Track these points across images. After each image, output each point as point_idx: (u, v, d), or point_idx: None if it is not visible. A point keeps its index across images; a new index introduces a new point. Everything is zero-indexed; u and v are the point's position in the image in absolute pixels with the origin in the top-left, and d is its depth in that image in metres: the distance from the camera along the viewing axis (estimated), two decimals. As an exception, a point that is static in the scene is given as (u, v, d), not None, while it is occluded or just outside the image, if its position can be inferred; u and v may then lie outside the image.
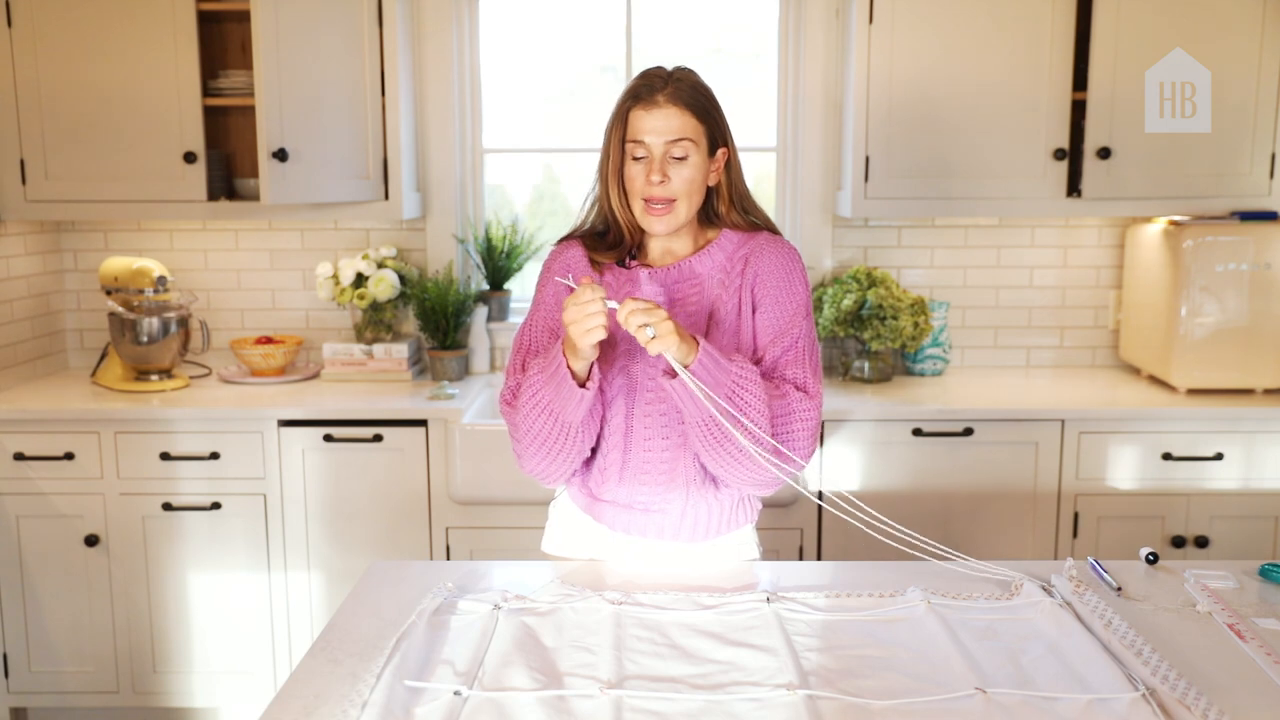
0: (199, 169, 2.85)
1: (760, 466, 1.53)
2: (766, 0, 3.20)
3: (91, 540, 2.73)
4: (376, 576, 1.61)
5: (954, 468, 2.70)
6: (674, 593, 1.52)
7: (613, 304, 1.47)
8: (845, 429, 2.70)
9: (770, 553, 2.65)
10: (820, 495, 2.66)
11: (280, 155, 2.68)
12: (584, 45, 3.31)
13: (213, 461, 2.71)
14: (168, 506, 2.72)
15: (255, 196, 2.95)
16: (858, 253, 3.21)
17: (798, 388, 1.61)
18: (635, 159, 1.63)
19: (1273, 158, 2.82)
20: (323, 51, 2.79)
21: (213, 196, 2.90)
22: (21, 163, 2.85)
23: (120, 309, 2.93)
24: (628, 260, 1.72)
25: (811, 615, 1.45)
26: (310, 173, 2.78)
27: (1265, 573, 1.58)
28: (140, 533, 2.73)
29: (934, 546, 1.59)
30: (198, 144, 2.84)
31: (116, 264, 2.98)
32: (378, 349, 3.04)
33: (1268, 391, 2.81)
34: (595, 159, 1.71)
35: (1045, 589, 1.51)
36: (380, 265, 3.08)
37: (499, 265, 3.19)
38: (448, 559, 2.74)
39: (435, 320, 3.06)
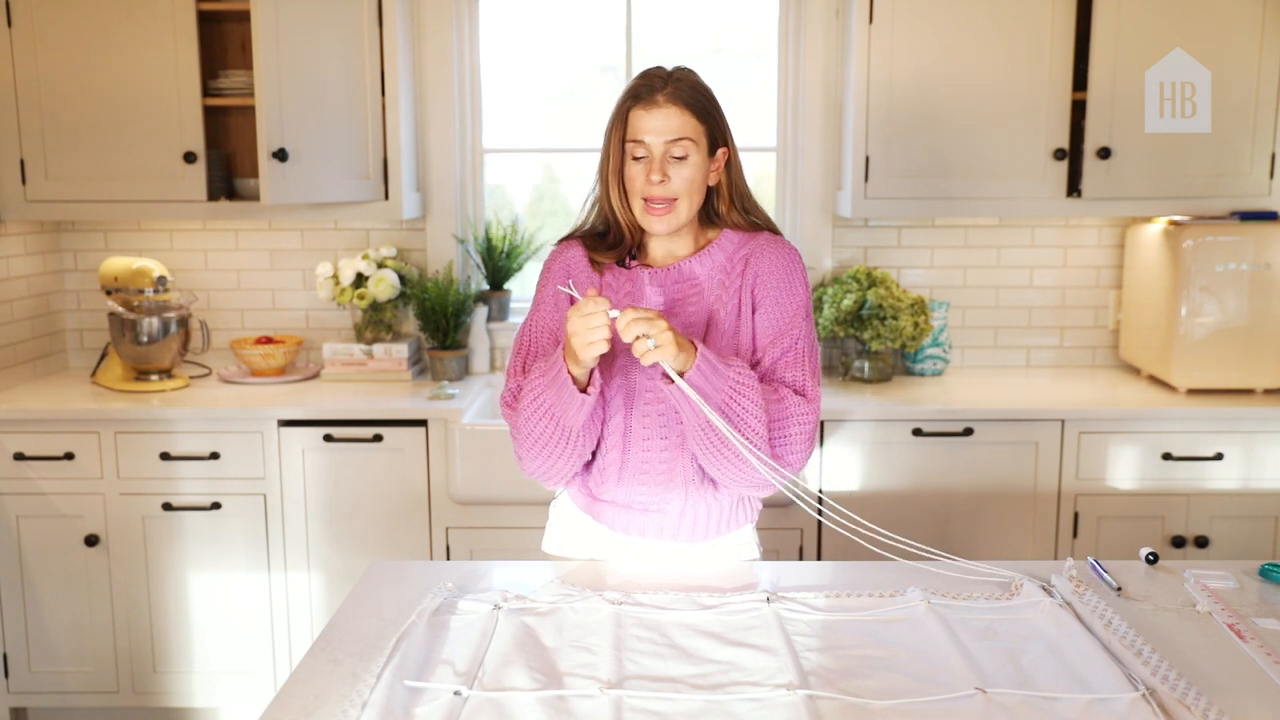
0: (199, 169, 2.85)
1: (755, 471, 1.53)
2: (766, 0, 3.20)
3: (91, 540, 2.73)
4: (376, 576, 1.61)
5: (954, 468, 2.70)
6: (674, 593, 1.52)
7: (614, 312, 1.47)
8: (845, 429, 2.70)
9: (770, 553, 2.65)
10: (820, 497, 2.66)
11: (280, 155, 2.68)
12: (584, 45, 3.31)
13: (213, 461, 2.71)
14: (168, 506, 2.72)
15: (255, 196, 2.95)
16: (858, 253, 3.21)
17: (796, 391, 1.61)
18: (635, 159, 1.63)
19: (1273, 158, 2.82)
20: (323, 51, 2.79)
21: (213, 196, 2.90)
22: (21, 163, 2.86)
23: (120, 309, 2.93)
24: (628, 260, 1.72)
25: (811, 615, 1.45)
26: (310, 173, 2.78)
27: (1265, 573, 1.58)
28: (140, 533, 2.73)
29: (929, 554, 1.58)
30: (198, 144, 2.84)
31: (116, 264, 2.98)
32: (378, 349, 3.04)
33: (1268, 391, 2.81)
34: (595, 159, 1.71)
35: (1045, 589, 1.51)
36: (380, 265, 3.08)
37: (499, 265, 3.19)
38: (448, 559, 2.74)
39: (435, 320, 3.06)
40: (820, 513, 2.52)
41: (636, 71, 1.71)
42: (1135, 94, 2.78)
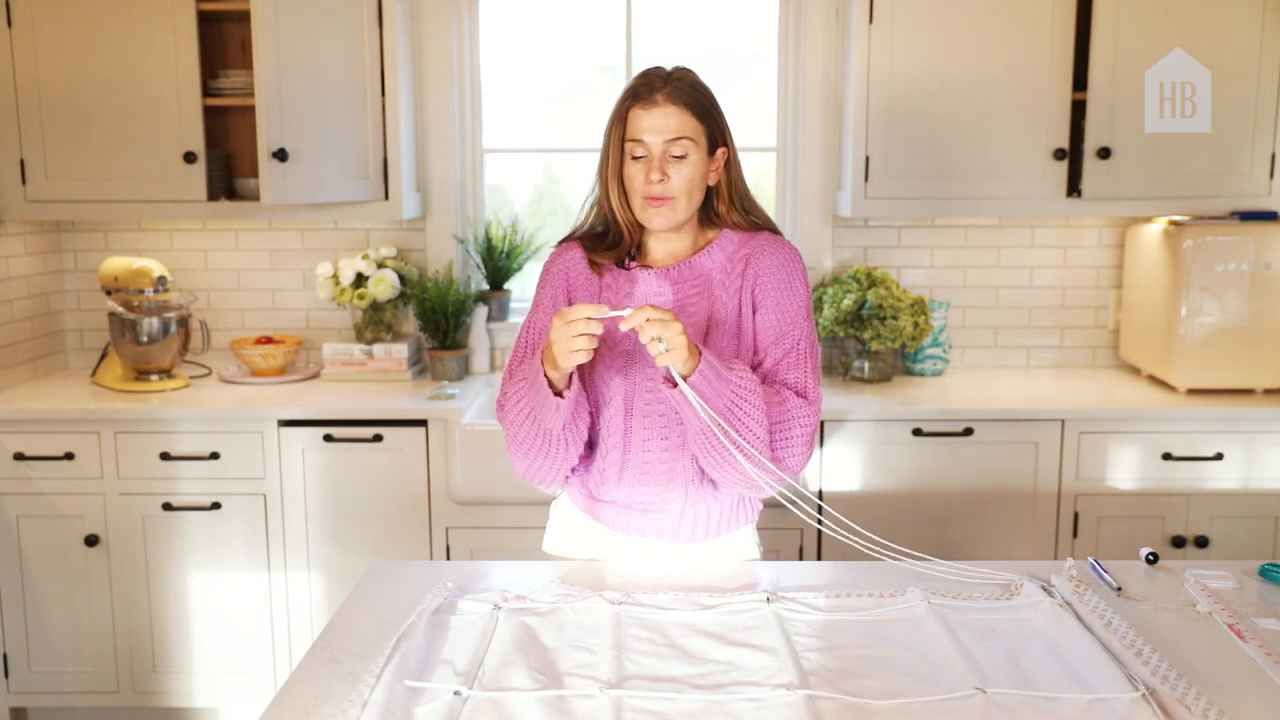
0: (199, 169, 2.85)
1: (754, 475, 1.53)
2: (766, 0, 3.20)
3: (91, 540, 2.73)
4: (376, 576, 1.61)
5: (954, 468, 2.70)
6: (674, 593, 1.52)
7: (623, 311, 1.46)
8: (845, 429, 2.70)
9: (770, 553, 2.65)
10: (820, 505, 2.66)
11: (280, 155, 2.68)
12: (584, 45, 3.31)
13: (213, 461, 2.71)
14: (168, 506, 2.72)
15: (255, 196, 2.95)
16: (858, 253, 3.21)
17: (797, 393, 1.62)
18: (635, 158, 1.63)
19: (1273, 158, 2.82)
20: (323, 51, 2.79)
21: (213, 196, 2.90)
22: (21, 163, 2.86)
23: (120, 309, 2.93)
24: (627, 261, 1.72)
25: (811, 615, 1.45)
26: (310, 173, 2.78)
27: (1265, 573, 1.58)
28: (140, 533, 2.73)
29: (928, 563, 1.58)
30: (198, 144, 2.84)
31: (116, 264, 2.98)
32: (378, 349, 3.04)
33: (1268, 391, 2.81)
34: (595, 159, 1.71)
35: (1045, 589, 1.51)
36: (380, 265, 3.08)
37: (499, 265, 3.19)
38: (448, 559, 2.74)
39: (435, 320, 3.06)
40: (820, 521, 2.52)
41: (636, 71, 1.71)
42: (1135, 94, 2.78)
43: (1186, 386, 2.81)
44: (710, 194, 1.71)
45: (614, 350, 1.65)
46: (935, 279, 3.22)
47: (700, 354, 1.48)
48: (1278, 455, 2.68)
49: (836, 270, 3.21)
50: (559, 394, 1.54)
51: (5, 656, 2.79)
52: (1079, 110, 2.84)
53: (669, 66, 1.67)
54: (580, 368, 1.61)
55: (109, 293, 2.98)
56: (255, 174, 3.03)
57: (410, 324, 3.23)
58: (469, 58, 3.21)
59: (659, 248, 1.71)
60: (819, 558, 2.72)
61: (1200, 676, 1.27)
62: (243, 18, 2.95)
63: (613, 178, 1.66)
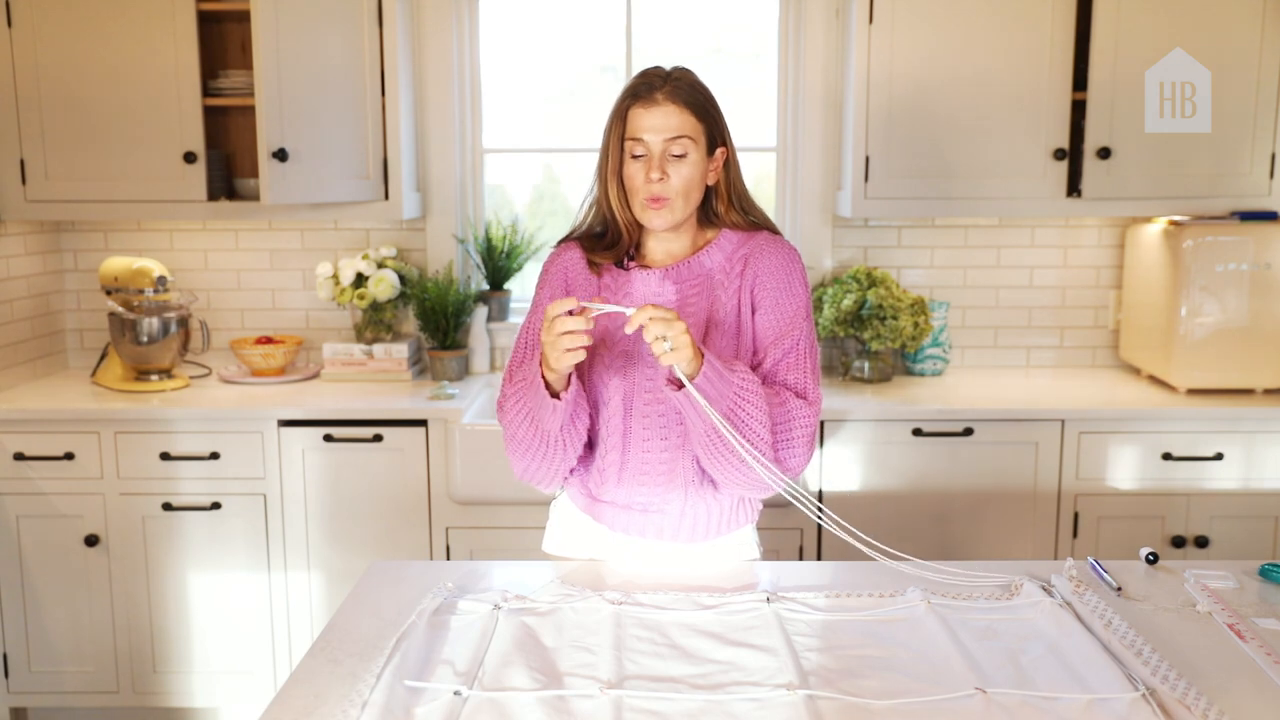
0: (199, 169, 2.85)
1: (756, 475, 1.53)
2: (766, 0, 3.20)
3: (91, 540, 2.73)
4: (376, 576, 1.61)
5: (954, 468, 2.70)
6: (674, 593, 1.52)
7: (617, 307, 1.46)
8: (845, 429, 2.70)
9: (770, 553, 2.65)
10: (820, 506, 2.66)
11: (280, 155, 2.68)
12: (584, 45, 3.31)
13: (213, 461, 2.71)
14: (168, 506, 2.72)
15: (255, 196, 2.95)
16: (858, 253, 3.21)
17: (797, 394, 1.61)
18: (634, 157, 1.63)
19: (1273, 158, 2.82)
20: (323, 51, 2.79)
21: (213, 196, 2.90)
22: (21, 163, 2.86)
23: (120, 309, 2.93)
24: (625, 261, 1.72)
25: (811, 615, 1.45)
26: (310, 173, 2.78)
27: (1265, 573, 1.58)
28: (140, 533, 2.73)
29: (927, 568, 1.58)
30: (198, 144, 2.84)
31: (116, 264, 2.98)
32: (378, 349, 3.04)
33: (1268, 391, 2.81)
34: (595, 159, 1.70)
35: (1045, 589, 1.51)
36: (380, 265, 3.08)
37: (499, 265, 3.19)
38: (448, 559, 2.74)
39: (435, 320, 3.06)
40: (820, 515, 2.52)
41: (636, 71, 1.71)
42: (1135, 94, 2.78)
43: (1186, 386, 2.81)
44: (709, 194, 1.71)
45: (613, 350, 1.65)
46: (935, 279, 3.22)
47: (703, 355, 1.48)
48: (1278, 455, 2.68)
49: (836, 270, 3.21)
50: (556, 395, 1.54)
51: (5, 656, 2.79)
52: (1079, 110, 2.84)
53: (668, 66, 1.67)
54: (579, 367, 1.61)
55: (109, 293, 2.98)
56: (255, 174, 3.03)
57: (410, 324, 3.23)
58: (469, 58, 3.21)
59: (658, 247, 1.71)
60: (819, 558, 2.72)
61: (1200, 676, 1.27)
62: (243, 18, 2.94)
63: (612, 177, 1.66)
